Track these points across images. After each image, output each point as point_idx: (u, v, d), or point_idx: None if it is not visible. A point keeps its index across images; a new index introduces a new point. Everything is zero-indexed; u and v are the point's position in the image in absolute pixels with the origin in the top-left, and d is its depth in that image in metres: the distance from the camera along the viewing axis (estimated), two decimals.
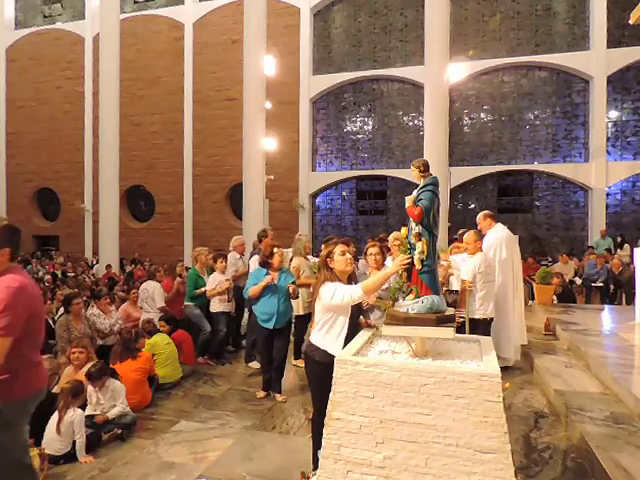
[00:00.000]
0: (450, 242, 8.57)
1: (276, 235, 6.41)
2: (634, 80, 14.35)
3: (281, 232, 12.45)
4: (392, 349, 2.57)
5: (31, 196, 20.74)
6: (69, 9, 20.50)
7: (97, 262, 14.95)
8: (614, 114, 14.60)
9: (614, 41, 14.14)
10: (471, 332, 4.55)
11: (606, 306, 8.71)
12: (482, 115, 15.75)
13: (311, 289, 4.94)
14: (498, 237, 5.31)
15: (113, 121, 13.57)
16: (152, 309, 5.99)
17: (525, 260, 9.45)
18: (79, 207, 19.14)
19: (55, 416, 3.51)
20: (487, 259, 4.94)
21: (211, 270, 6.29)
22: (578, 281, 10.56)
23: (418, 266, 2.47)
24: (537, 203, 15.42)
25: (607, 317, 7.48)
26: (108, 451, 3.63)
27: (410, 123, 16.36)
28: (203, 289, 5.97)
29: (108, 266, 13.07)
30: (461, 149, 15.75)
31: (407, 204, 2.52)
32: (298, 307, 5.47)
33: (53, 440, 3.44)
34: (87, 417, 3.71)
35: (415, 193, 2.57)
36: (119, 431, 3.84)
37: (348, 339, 2.77)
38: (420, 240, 2.46)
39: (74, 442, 3.49)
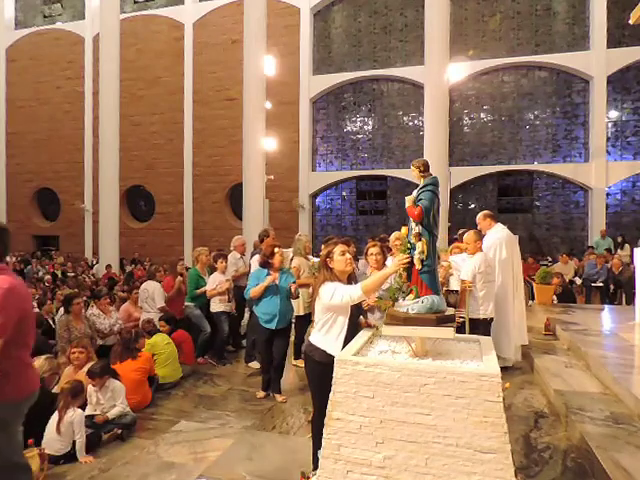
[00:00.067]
0: (450, 242, 8.58)
1: (276, 235, 6.41)
2: (634, 80, 14.35)
3: (281, 232, 12.43)
4: (392, 349, 2.57)
5: (31, 196, 20.75)
6: (69, 9, 20.50)
7: (97, 262, 14.96)
8: (614, 114, 14.60)
9: (614, 41, 14.14)
10: (471, 332, 4.55)
11: (606, 306, 8.71)
12: (482, 115, 15.75)
13: (310, 289, 4.95)
14: (498, 237, 5.31)
15: (113, 121, 13.57)
16: (152, 309, 5.99)
17: (525, 260, 9.45)
18: (79, 207, 19.14)
19: (55, 416, 3.50)
20: (487, 259, 4.94)
21: (211, 270, 6.30)
22: (578, 281, 10.56)
23: (418, 266, 2.47)
24: (537, 203, 15.42)
25: (607, 317, 7.48)
26: (108, 451, 3.63)
27: (410, 123, 16.36)
28: (203, 289, 5.98)
29: (108, 266, 13.08)
30: (461, 149, 15.75)
31: (407, 204, 2.53)
32: (298, 307, 5.47)
33: (53, 440, 3.44)
34: (87, 417, 3.71)
35: (415, 193, 2.57)
36: (119, 431, 3.84)
37: (348, 339, 2.77)
38: (420, 240, 2.46)
39: (74, 442, 3.49)
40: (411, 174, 2.74)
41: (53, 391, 3.95)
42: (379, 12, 16.51)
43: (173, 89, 18.30)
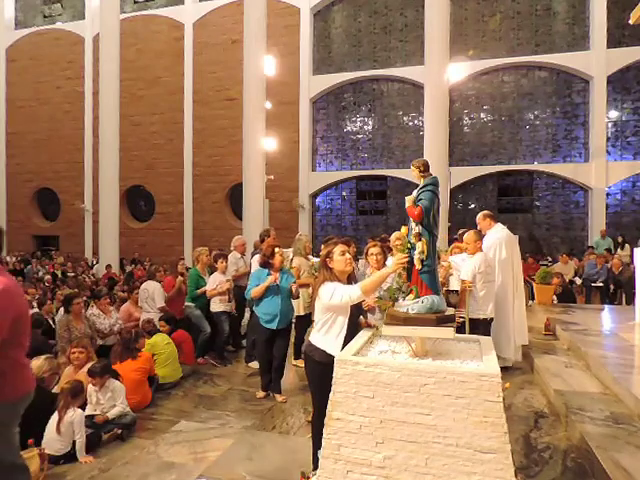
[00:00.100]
0: (450, 242, 8.58)
1: (276, 235, 6.42)
2: (634, 80, 14.35)
3: (281, 232, 12.42)
4: (392, 349, 2.57)
5: (31, 196, 20.75)
6: (69, 9, 20.50)
7: (97, 262, 14.96)
8: (614, 114, 14.60)
9: (614, 41, 14.15)
10: (471, 332, 4.55)
11: (606, 306, 8.71)
12: (482, 115, 15.76)
13: (310, 289, 4.95)
14: (498, 237, 5.31)
15: (113, 121, 13.58)
16: (152, 309, 5.99)
17: (525, 260, 9.45)
18: (79, 207, 19.14)
19: (55, 416, 3.50)
20: (487, 259, 4.94)
21: (212, 270, 6.30)
22: (578, 281, 10.56)
23: (418, 266, 2.47)
24: (537, 203, 15.43)
25: (607, 317, 7.48)
26: (108, 451, 3.63)
27: (410, 123, 16.36)
28: (203, 289, 5.98)
29: (108, 266, 13.08)
30: (461, 149, 15.76)
31: (407, 204, 2.53)
32: (298, 307, 5.47)
33: (53, 440, 3.44)
34: (87, 417, 3.71)
35: (415, 193, 2.57)
36: (119, 431, 3.84)
37: (348, 339, 2.77)
38: (420, 240, 2.46)
39: (74, 442, 3.49)
40: (411, 174, 2.74)
41: (53, 391, 3.95)
42: (379, 12, 16.51)
43: (173, 89, 18.30)
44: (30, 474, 2.62)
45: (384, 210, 16.96)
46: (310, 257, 6.10)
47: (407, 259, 2.50)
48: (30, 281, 11.22)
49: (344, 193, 17.42)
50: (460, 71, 14.20)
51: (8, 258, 16.54)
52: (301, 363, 4.91)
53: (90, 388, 3.91)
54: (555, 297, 8.78)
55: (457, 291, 5.05)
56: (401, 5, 16.26)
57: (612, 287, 9.96)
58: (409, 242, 2.54)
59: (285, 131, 16.18)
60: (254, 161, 12.22)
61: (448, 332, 2.32)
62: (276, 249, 4.69)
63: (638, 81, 14.34)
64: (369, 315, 3.65)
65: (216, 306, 5.96)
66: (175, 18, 18.32)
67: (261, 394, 4.70)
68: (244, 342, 6.39)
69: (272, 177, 13.63)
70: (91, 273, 13.98)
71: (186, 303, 6.13)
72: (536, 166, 15.16)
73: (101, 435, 3.75)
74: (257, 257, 5.47)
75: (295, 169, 16.95)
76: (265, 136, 12.69)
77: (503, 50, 15.25)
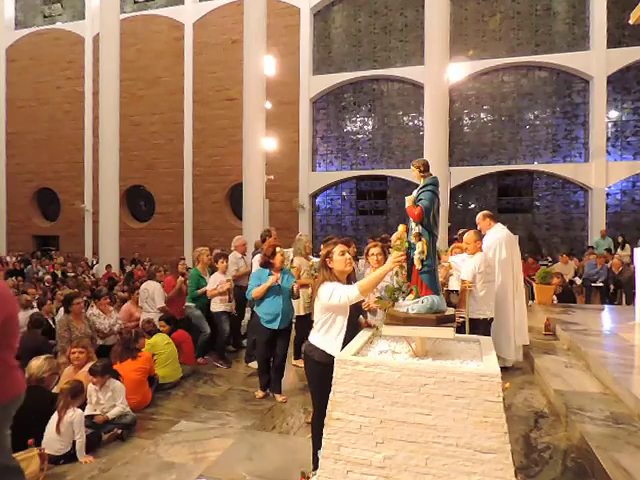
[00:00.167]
0: (450, 242, 8.58)
1: (277, 235, 6.42)
2: (634, 80, 14.35)
3: (281, 232, 12.41)
4: (392, 349, 2.57)
5: (31, 196, 20.74)
6: (69, 9, 20.50)
7: (97, 262, 14.96)
8: (614, 114, 14.60)
9: (614, 41, 14.14)
10: (471, 332, 4.55)
11: (606, 306, 8.71)
12: (482, 115, 15.76)
13: (310, 289, 4.95)
14: (498, 237, 5.31)
15: (113, 121, 13.57)
16: (152, 309, 6.00)
17: (525, 260, 9.45)
18: (79, 207, 19.14)
19: (55, 416, 3.50)
20: (487, 259, 4.94)
21: (212, 270, 6.30)
22: (578, 281, 10.56)
23: (418, 266, 2.47)
24: (537, 203, 15.42)
25: (607, 317, 7.48)
26: (108, 451, 3.63)
27: (410, 123, 16.36)
28: (204, 289, 5.98)
29: (108, 266, 13.08)
30: (461, 149, 15.75)
31: (407, 204, 2.53)
32: (299, 307, 5.47)
33: (53, 440, 3.44)
34: (87, 417, 3.71)
35: (415, 193, 2.57)
36: (119, 431, 3.84)
37: (348, 339, 2.77)
38: (420, 240, 2.46)
39: (74, 442, 3.49)
40: (411, 174, 2.74)
41: (53, 391, 3.95)
42: (379, 12, 16.51)
43: (173, 89, 18.30)
44: (24, 476, 2.61)
45: (384, 210, 16.96)
46: (310, 257, 6.11)
47: (404, 257, 2.50)
48: (30, 281, 11.22)
49: (344, 193, 17.42)
50: (460, 71, 14.19)
51: (8, 258, 16.56)
52: (301, 363, 4.90)
53: (90, 388, 3.91)
54: (555, 297, 8.78)
55: (457, 291, 5.05)
56: (401, 5, 16.26)
57: (612, 287, 9.96)
58: (408, 242, 2.54)
59: (285, 131, 16.18)
60: (254, 161, 12.22)
61: (448, 332, 2.32)
62: (277, 249, 4.69)
63: (638, 81, 14.34)
64: (370, 315, 3.65)
65: (216, 306, 5.95)
66: (175, 18, 18.32)
67: (260, 394, 4.71)
68: (244, 342, 6.39)
69: (272, 177, 13.63)
70: (91, 273, 13.98)
71: (186, 303, 6.13)
72: (536, 166, 15.16)
73: (101, 435, 3.75)
74: (258, 257, 5.48)
75: (295, 169, 16.95)
76: (265, 136, 12.69)
77: (503, 50, 15.25)
